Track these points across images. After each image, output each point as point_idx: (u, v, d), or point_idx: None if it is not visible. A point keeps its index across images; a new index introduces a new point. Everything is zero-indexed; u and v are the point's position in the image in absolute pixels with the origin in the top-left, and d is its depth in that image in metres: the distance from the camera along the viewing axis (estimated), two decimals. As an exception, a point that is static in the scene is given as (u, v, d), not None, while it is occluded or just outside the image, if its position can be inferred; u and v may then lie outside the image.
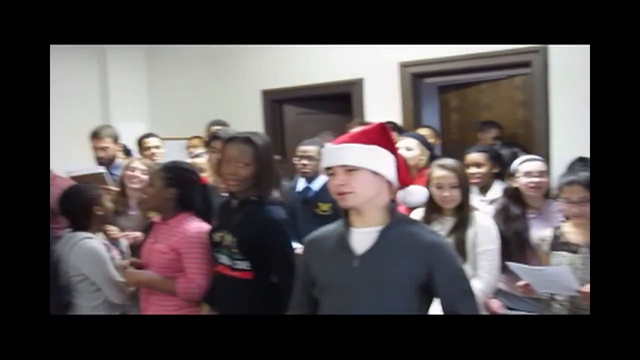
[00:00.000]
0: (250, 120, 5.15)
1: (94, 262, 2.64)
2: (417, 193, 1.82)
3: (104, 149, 3.96)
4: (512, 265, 2.41)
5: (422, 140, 3.58)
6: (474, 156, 3.23)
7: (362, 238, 1.69)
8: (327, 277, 1.73)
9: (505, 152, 3.51)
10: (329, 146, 1.77)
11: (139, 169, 3.36)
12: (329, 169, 1.71)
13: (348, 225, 1.74)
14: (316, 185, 3.44)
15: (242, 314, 2.16)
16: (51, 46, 1.90)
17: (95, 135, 4.00)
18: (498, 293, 2.71)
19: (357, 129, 1.85)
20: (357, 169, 1.65)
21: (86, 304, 2.67)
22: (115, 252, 2.79)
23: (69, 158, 4.04)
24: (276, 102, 5.37)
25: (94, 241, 2.71)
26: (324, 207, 3.33)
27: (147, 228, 2.66)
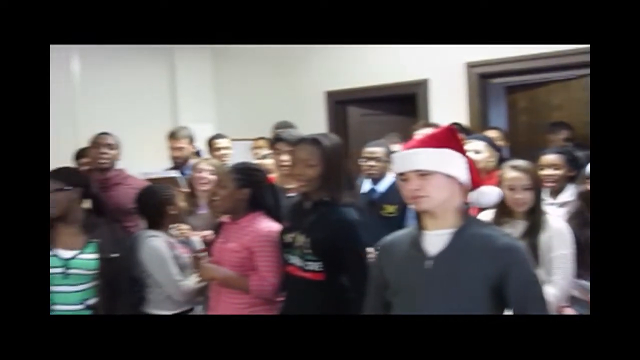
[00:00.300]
0: (314, 121, 5.19)
1: (154, 260, 2.76)
2: (490, 193, 1.82)
3: (180, 149, 4.12)
4: (583, 283, 2.35)
5: (490, 141, 3.53)
6: (551, 157, 3.14)
7: (434, 240, 1.69)
8: (400, 280, 1.74)
9: (579, 154, 3.40)
10: (401, 152, 1.78)
11: (206, 169, 3.45)
12: (401, 174, 1.72)
13: (421, 228, 1.74)
14: (382, 186, 3.43)
15: (311, 313, 2.18)
16: (122, 47, 1.94)
17: (173, 136, 4.18)
18: (572, 301, 2.62)
19: (426, 133, 1.86)
20: (430, 173, 1.66)
21: (154, 298, 2.79)
22: (180, 250, 2.87)
23: (140, 157, 4.15)
24: (340, 103, 5.39)
25: (157, 240, 2.81)
26: (390, 209, 3.31)
27: (217, 228, 2.73)
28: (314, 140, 2.30)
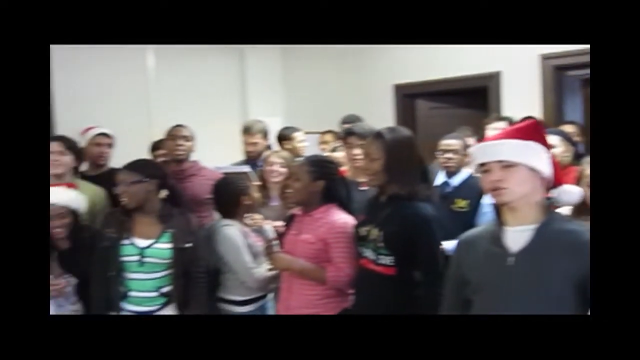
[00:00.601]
0: (381, 115, 5.14)
1: (229, 247, 2.84)
2: (572, 192, 1.79)
3: (254, 144, 4.07)
4: None
5: (565, 136, 3.44)
6: None
7: (516, 236, 1.66)
8: (481, 277, 1.71)
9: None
10: (484, 142, 1.77)
11: (277, 162, 3.48)
12: (483, 165, 1.70)
13: (501, 224, 1.71)
14: (456, 180, 3.38)
15: (381, 308, 2.21)
16: (194, 47, 1.89)
17: (247, 131, 4.12)
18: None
19: (502, 127, 1.84)
20: (513, 165, 1.64)
21: (229, 284, 2.90)
22: (254, 239, 2.93)
23: (210, 150, 4.22)
24: (408, 96, 5.32)
25: (232, 228, 2.89)
26: (462, 204, 3.27)
27: (288, 219, 2.76)
28: (377, 134, 2.33)
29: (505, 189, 1.64)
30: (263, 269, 2.83)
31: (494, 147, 1.69)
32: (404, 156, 2.28)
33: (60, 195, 2.75)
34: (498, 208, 1.72)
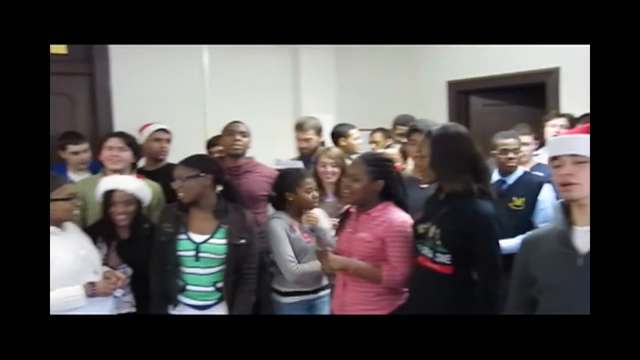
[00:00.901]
0: (434, 111, 5.05)
1: (272, 238, 2.91)
2: None
3: (307, 140, 4.03)
4: None
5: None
6: None
7: (586, 237, 1.61)
8: (549, 277, 1.68)
9: None
10: (559, 136, 1.77)
11: (328, 162, 3.44)
12: (555, 158, 1.67)
13: (570, 223, 1.67)
14: (511, 178, 3.31)
15: (438, 306, 2.19)
16: (245, 47, 1.87)
17: (300, 127, 4.08)
18: None
19: (571, 123, 1.81)
20: (587, 161, 1.60)
21: (277, 275, 2.98)
22: (300, 234, 2.96)
23: (264, 148, 4.25)
24: (462, 93, 5.25)
25: (277, 221, 2.95)
26: (518, 202, 3.21)
27: (342, 216, 2.76)
28: (427, 132, 2.33)
29: (576, 184, 1.60)
30: (306, 265, 2.85)
31: (569, 140, 1.67)
32: (450, 153, 2.25)
33: (129, 183, 2.83)
34: (567, 207, 1.69)
